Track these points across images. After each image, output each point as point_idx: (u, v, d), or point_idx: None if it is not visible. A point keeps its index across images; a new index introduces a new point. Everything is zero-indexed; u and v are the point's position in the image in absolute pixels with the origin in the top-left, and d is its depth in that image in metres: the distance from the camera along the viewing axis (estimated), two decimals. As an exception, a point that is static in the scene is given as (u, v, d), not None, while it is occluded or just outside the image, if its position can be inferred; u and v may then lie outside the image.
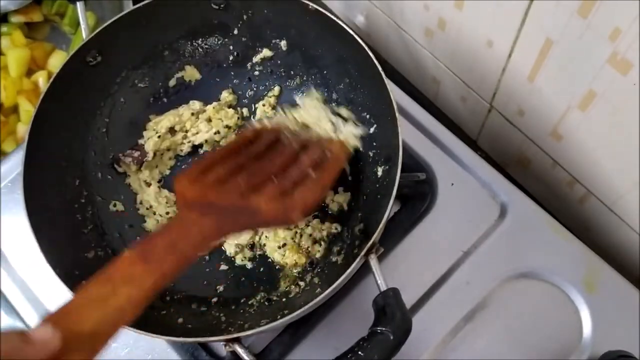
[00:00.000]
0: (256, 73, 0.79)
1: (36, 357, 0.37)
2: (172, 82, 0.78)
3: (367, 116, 0.71)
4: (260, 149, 0.58)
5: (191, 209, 0.51)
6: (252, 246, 0.71)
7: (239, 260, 0.70)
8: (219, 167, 0.54)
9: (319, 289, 0.64)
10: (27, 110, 0.90)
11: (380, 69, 0.64)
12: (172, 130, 0.75)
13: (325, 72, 0.74)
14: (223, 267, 0.70)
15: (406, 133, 0.76)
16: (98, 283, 0.44)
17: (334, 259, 0.67)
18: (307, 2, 0.68)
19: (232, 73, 0.79)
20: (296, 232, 0.70)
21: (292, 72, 0.77)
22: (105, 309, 0.42)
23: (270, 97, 0.78)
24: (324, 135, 0.61)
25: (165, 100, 0.78)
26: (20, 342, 0.37)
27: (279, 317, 0.57)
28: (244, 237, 0.70)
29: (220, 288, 0.69)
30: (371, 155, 0.70)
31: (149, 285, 0.45)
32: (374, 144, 0.70)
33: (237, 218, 0.52)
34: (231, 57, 0.78)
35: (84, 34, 0.73)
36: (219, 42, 0.77)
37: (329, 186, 0.56)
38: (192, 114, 0.76)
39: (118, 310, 0.43)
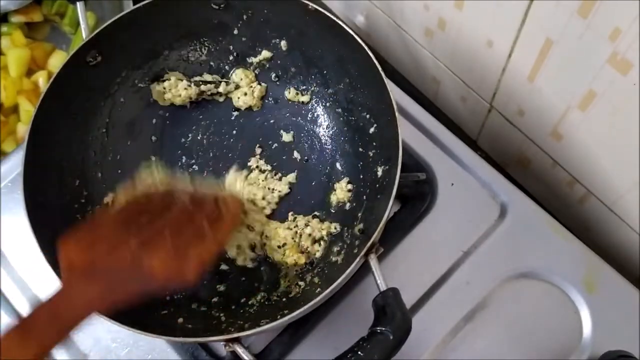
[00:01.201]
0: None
1: None
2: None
3: (367, 116, 0.71)
4: (153, 210, 0.56)
5: (77, 275, 0.49)
6: (253, 247, 0.71)
7: (240, 261, 0.70)
8: (110, 231, 0.53)
9: (319, 289, 0.64)
10: (27, 110, 0.90)
11: (380, 69, 0.64)
12: None
13: (325, 72, 0.74)
14: (223, 267, 0.70)
15: (406, 133, 0.76)
16: None
17: (334, 259, 0.67)
18: (307, 2, 0.68)
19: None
20: (296, 232, 0.70)
21: (292, 72, 0.77)
22: None
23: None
24: (218, 191, 0.62)
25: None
26: None
27: (279, 317, 0.57)
28: (244, 238, 0.70)
29: (221, 288, 0.69)
30: (371, 155, 0.70)
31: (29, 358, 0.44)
32: (374, 144, 0.70)
33: (128, 284, 0.50)
34: (231, 57, 0.78)
35: (84, 34, 0.73)
36: (219, 42, 0.77)
37: (225, 241, 0.56)
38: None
39: None
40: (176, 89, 0.76)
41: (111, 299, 0.49)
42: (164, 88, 0.76)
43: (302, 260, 0.68)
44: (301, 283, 0.67)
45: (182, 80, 0.76)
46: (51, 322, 0.46)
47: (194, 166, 0.76)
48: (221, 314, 0.65)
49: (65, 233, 0.48)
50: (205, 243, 0.54)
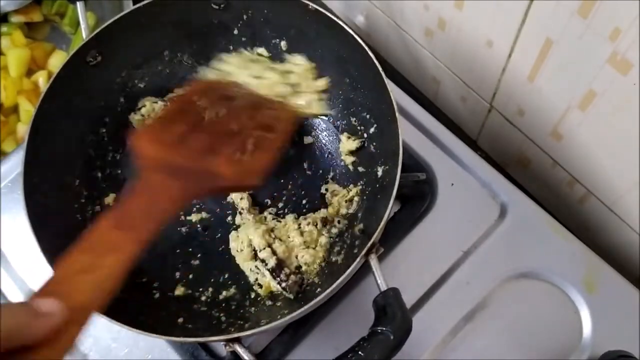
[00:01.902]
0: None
1: (44, 331, 0.36)
2: (171, 82, 0.78)
3: (367, 116, 0.71)
4: (213, 103, 0.57)
5: (156, 171, 0.50)
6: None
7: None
8: (177, 125, 0.54)
9: (319, 289, 0.64)
10: (27, 110, 0.90)
11: (380, 68, 0.64)
12: None
13: (325, 72, 0.74)
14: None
15: (406, 133, 0.76)
16: (81, 253, 0.43)
17: (334, 259, 0.67)
18: (307, 2, 0.68)
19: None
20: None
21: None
22: (94, 279, 0.41)
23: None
24: (275, 96, 0.63)
25: (165, 100, 0.78)
26: (27, 316, 0.35)
27: (279, 317, 0.57)
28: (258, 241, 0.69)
29: (225, 292, 0.69)
30: (371, 155, 0.70)
31: (130, 252, 0.44)
32: (374, 143, 0.70)
33: (200, 181, 0.52)
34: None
35: (84, 34, 0.73)
36: (219, 42, 0.77)
37: (282, 148, 0.57)
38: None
39: (105, 279, 0.42)
40: (154, 112, 0.75)
41: (189, 194, 0.51)
42: (142, 115, 0.75)
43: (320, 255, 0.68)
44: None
45: (156, 102, 0.76)
46: (142, 216, 0.47)
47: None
48: (221, 314, 0.65)
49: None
50: (264, 149, 0.55)
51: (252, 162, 0.54)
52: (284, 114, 0.61)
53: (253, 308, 0.66)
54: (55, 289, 0.39)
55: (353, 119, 0.73)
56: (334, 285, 0.56)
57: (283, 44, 0.75)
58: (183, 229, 0.73)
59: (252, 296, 0.68)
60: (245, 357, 0.57)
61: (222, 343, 0.58)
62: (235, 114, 0.58)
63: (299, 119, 0.62)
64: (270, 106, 0.61)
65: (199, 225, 0.73)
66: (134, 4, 0.72)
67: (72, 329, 0.39)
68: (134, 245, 0.45)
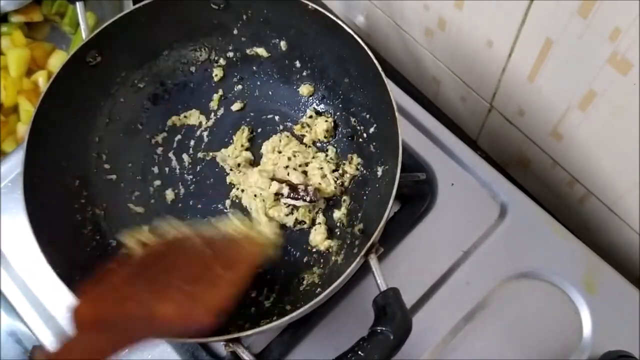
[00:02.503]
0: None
1: None
2: (171, 83, 0.78)
3: (367, 116, 0.71)
4: (166, 258, 0.55)
5: (89, 329, 0.49)
6: None
7: None
8: (121, 282, 0.52)
9: (319, 289, 0.64)
10: (27, 110, 0.90)
11: (379, 68, 0.64)
12: None
13: (325, 71, 0.74)
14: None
15: (406, 133, 0.76)
16: None
17: (334, 259, 0.67)
18: (306, 2, 0.68)
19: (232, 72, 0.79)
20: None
21: (291, 72, 0.77)
22: None
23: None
24: (237, 231, 0.60)
25: (164, 100, 0.78)
26: None
27: (278, 317, 0.57)
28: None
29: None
30: (371, 155, 0.70)
31: None
32: (374, 143, 0.70)
33: (140, 331, 0.50)
34: (231, 56, 0.78)
35: (84, 34, 0.73)
36: (219, 42, 0.77)
37: (243, 283, 0.54)
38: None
39: None
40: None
41: (123, 344, 0.49)
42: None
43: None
44: (302, 282, 0.67)
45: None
46: None
47: (198, 154, 0.77)
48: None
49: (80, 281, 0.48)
50: (221, 286, 0.52)
51: (205, 302, 0.51)
52: (246, 248, 0.58)
53: (253, 308, 0.66)
54: None
55: (353, 119, 0.73)
56: (334, 285, 0.56)
57: (283, 44, 0.75)
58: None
59: (253, 296, 0.68)
60: (245, 357, 0.57)
61: (222, 343, 0.58)
62: (190, 261, 0.55)
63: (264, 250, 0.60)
64: (231, 243, 0.59)
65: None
66: (134, 4, 0.72)
67: None
68: None
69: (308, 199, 0.68)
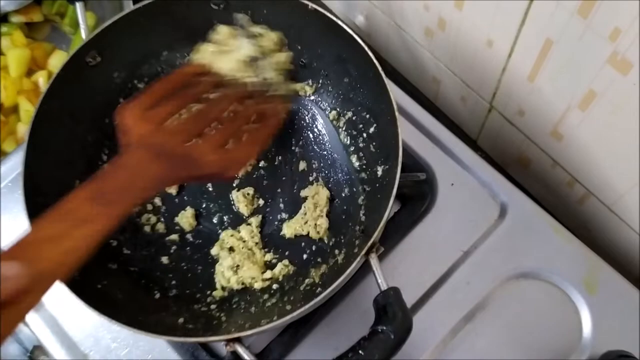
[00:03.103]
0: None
1: (5, 293, 0.36)
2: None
3: (367, 116, 0.71)
4: (201, 90, 0.58)
5: (141, 148, 0.50)
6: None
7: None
8: (163, 105, 0.55)
9: (319, 289, 0.64)
10: (27, 110, 0.90)
11: (379, 68, 0.64)
12: None
13: (324, 71, 0.74)
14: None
15: (406, 133, 0.76)
16: (53, 221, 0.43)
17: (334, 259, 0.67)
18: (306, 2, 0.68)
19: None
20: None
21: (290, 72, 0.77)
22: (62, 249, 0.41)
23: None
24: (264, 87, 0.64)
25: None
26: None
27: (279, 317, 0.57)
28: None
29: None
30: (371, 155, 0.70)
31: (103, 226, 0.44)
32: (374, 143, 0.70)
33: (184, 166, 0.52)
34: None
35: (84, 34, 0.73)
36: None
37: (268, 141, 0.59)
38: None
39: (74, 250, 0.42)
40: None
41: (172, 177, 0.52)
42: None
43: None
44: (302, 281, 0.67)
45: None
46: (121, 192, 0.47)
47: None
48: (221, 314, 0.65)
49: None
50: (249, 140, 0.57)
51: (237, 153, 0.55)
52: (274, 105, 0.62)
53: (253, 308, 0.66)
54: (21, 254, 0.39)
55: (352, 118, 0.73)
56: (334, 285, 0.56)
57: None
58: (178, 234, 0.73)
59: (253, 295, 0.68)
60: (246, 357, 0.57)
61: (222, 343, 0.58)
62: (225, 102, 0.58)
63: (289, 110, 0.63)
64: (260, 97, 0.62)
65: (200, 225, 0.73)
66: (134, 4, 0.72)
67: (34, 293, 0.39)
68: (108, 220, 0.45)
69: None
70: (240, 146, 0.57)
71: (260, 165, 0.75)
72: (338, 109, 0.75)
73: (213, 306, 0.67)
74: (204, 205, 0.74)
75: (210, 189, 0.75)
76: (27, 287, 0.37)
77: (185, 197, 0.74)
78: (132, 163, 0.50)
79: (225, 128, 0.57)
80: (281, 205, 0.74)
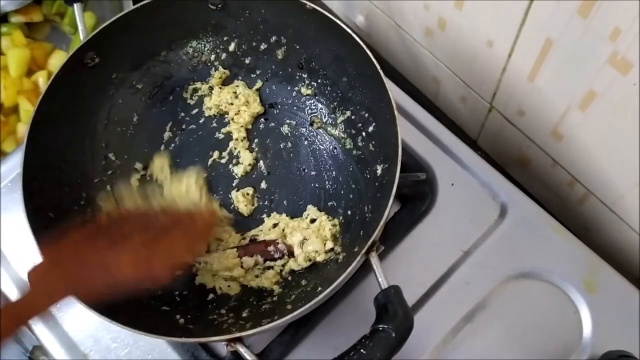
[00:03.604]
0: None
1: None
2: (170, 83, 0.78)
3: (366, 115, 0.71)
4: (127, 223, 0.60)
5: (44, 279, 0.53)
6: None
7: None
8: (83, 242, 0.56)
9: (319, 289, 0.64)
10: (27, 110, 0.90)
11: (378, 67, 0.64)
12: None
13: (323, 71, 0.74)
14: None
15: (406, 133, 0.76)
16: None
17: (334, 258, 0.67)
18: (305, 1, 0.68)
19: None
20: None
21: (289, 72, 0.77)
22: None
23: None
24: (194, 206, 0.66)
25: (163, 101, 0.78)
26: None
27: (279, 316, 0.57)
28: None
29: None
30: (371, 154, 0.70)
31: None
32: (373, 142, 0.70)
33: (95, 279, 0.53)
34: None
35: (82, 35, 0.72)
36: (217, 43, 0.77)
37: (198, 249, 0.59)
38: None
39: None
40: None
41: (77, 291, 0.53)
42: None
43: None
44: (303, 282, 0.67)
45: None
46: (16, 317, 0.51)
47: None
48: (222, 314, 0.65)
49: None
50: (175, 247, 0.57)
51: (158, 252, 0.55)
52: (202, 219, 0.64)
53: (254, 308, 0.66)
54: None
55: (352, 118, 0.73)
56: (334, 284, 0.56)
57: (281, 43, 0.75)
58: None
59: (253, 295, 0.67)
60: (247, 357, 0.56)
61: (224, 343, 0.58)
62: (148, 225, 0.60)
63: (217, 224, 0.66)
64: (187, 216, 0.64)
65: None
66: (134, 4, 0.72)
67: None
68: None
69: (279, 255, 0.68)
70: (163, 246, 0.57)
71: (260, 166, 0.76)
72: (337, 108, 0.75)
73: (214, 306, 0.67)
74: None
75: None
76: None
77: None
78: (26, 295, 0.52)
79: (142, 237, 0.57)
80: (284, 202, 0.74)
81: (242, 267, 0.68)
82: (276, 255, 0.68)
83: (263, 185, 0.75)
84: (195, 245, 0.60)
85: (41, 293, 0.52)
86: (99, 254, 0.54)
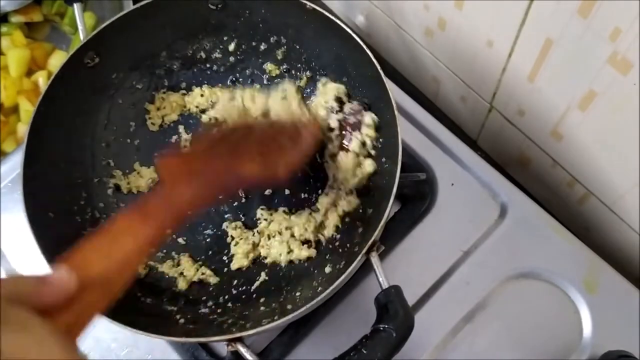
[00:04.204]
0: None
1: (54, 298, 0.37)
2: (169, 83, 0.78)
3: (367, 115, 0.71)
4: (238, 137, 0.61)
5: (179, 180, 0.52)
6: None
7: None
8: (203, 151, 0.58)
9: (320, 289, 0.64)
10: (27, 110, 0.90)
11: (378, 67, 0.64)
12: None
13: (323, 71, 0.74)
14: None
15: (406, 133, 0.76)
16: (100, 236, 0.45)
17: (334, 257, 0.67)
18: (305, 1, 0.68)
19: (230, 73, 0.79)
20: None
21: (289, 72, 0.77)
22: (110, 258, 0.43)
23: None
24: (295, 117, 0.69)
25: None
26: (37, 284, 0.37)
27: (280, 316, 0.57)
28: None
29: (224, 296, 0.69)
30: (370, 154, 0.70)
31: (149, 237, 0.46)
32: (373, 142, 0.70)
33: (225, 178, 0.55)
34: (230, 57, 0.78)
35: (82, 35, 0.72)
36: (217, 43, 0.77)
37: (307, 153, 0.60)
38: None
39: (122, 259, 0.44)
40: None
41: (209, 193, 0.54)
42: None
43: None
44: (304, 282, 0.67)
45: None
46: (164, 207, 0.49)
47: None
48: (222, 314, 0.65)
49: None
50: (289, 152, 0.59)
51: (272, 160, 0.57)
52: (306, 127, 0.64)
53: (254, 308, 0.66)
54: (70, 263, 0.41)
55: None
56: (335, 284, 0.56)
57: (281, 43, 0.75)
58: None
59: (254, 295, 0.68)
60: (248, 357, 0.57)
61: (223, 343, 0.58)
62: (259, 138, 0.62)
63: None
64: (292, 125, 0.65)
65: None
66: (134, 4, 0.72)
67: (88, 297, 0.40)
68: (154, 231, 0.47)
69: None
70: (276, 157, 0.59)
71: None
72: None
73: (214, 306, 0.67)
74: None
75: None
76: (77, 292, 0.39)
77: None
78: (169, 189, 0.52)
79: (258, 147, 0.60)
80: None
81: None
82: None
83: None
84: (305, 149, 0.61)
85: (181, 191, 0.51)
86: (222, 159, 0.56)
